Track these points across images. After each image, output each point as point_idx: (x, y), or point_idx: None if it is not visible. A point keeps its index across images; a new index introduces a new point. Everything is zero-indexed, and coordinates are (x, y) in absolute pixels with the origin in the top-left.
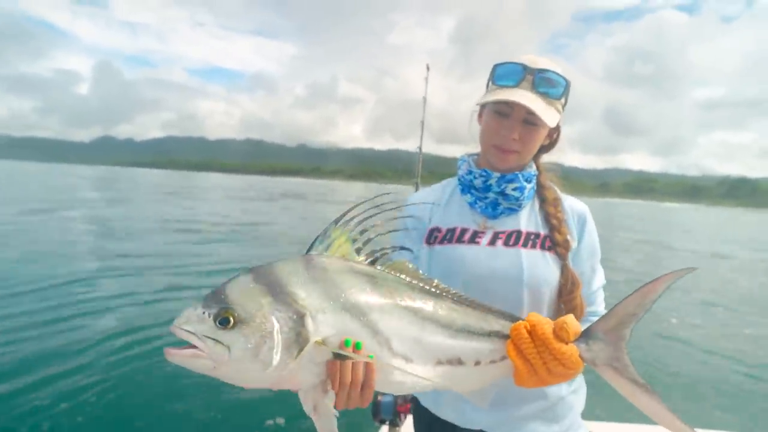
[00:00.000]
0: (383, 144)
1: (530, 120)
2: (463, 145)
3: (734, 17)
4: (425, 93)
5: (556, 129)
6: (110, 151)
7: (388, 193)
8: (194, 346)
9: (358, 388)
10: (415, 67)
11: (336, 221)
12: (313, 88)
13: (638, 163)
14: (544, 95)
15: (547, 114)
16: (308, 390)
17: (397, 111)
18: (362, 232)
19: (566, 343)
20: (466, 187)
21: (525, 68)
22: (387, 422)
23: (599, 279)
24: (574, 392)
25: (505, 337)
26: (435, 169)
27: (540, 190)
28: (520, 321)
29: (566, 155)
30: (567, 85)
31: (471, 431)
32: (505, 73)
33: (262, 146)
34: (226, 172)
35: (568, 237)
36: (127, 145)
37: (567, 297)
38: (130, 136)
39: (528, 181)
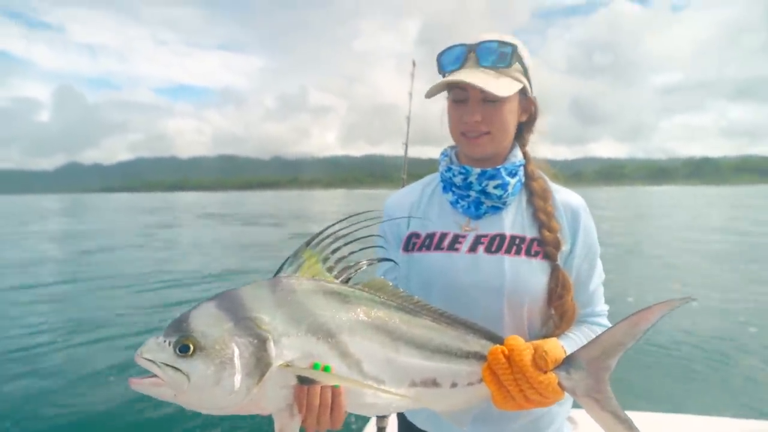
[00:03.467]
0: (358, 150)
1: (489, 97)
2: (437, 146)
3: (684, 6)
4: (410, 89)
5: (531, 101)
6: (77, 178)
7: (364, 212)
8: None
9: (327, 411)
10: (383, 72)
11: (307, 243)
12: (283, 99)
13: (606, 150)
14: (493, 67)
15: (499, 85)
16: (276, 414)
17: (369, 116)
18: (334, 251)
19: (545, 372)
20: (448, 185)
21: (466, 46)
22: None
23: (597, 277)
24: (560, 404)
25: (484, 358)
26: (414, 171)
27: (528, 182)
28: (498, 346)
29: (538, 147)
30: (514, 49)
31: None
32: (449, 59)
33: (236, 161)
34: (201, 190)
35: (559, 235)
36: (94, 170)
37: (557, 302)
38: (97, 161)
39: (512, 174)
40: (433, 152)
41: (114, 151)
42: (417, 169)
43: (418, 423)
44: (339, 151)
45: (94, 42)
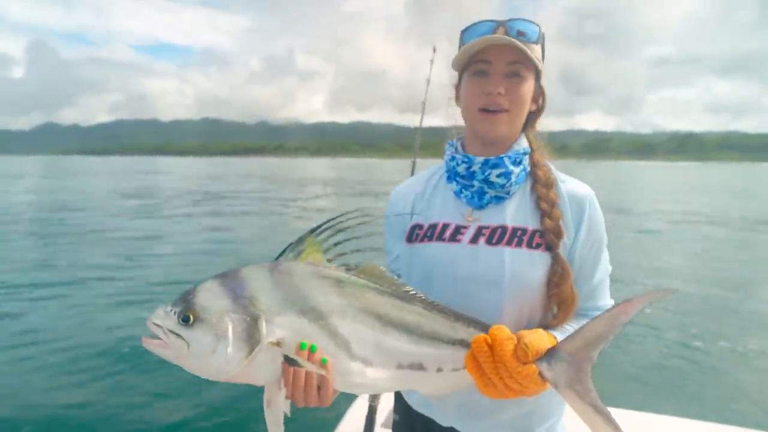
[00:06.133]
0: (346, 116)
1: (513, 71)
2: (426, 114)
3: None
4: (429, 75)
5: (541, 93)
6: (55, 139)
7: (368, 207)
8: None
9: (313, 391)
10: (373, 35)
11: (312, 231)
12: (269, 61)
13: (594, 122)
14: (522, 40)
15: (530, 54)
16: (266, 385)
17: (357, 81)
18: (337, 244)
19: (525, 363)
20: (452, 174)
21: (495, 22)
22: None
23: (602, 269)
24: (550, 399)
25: (470, 346)
26: (400, 140)
27: (533, 170)
28: (482, 334)
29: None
30: (540, 29)
31: (443, 427)
32: (476, 31)
33: (221, 125)
34: (185, 155)
35: (561, 223)
36: (73, 131)
37: (555, 290)
38: (75, 121)
39: (516, 163)
40: (431, 120)
41: (92, 111)
42: (404, 138)
43: (413, 404)
44: (326, 117)
45: None
